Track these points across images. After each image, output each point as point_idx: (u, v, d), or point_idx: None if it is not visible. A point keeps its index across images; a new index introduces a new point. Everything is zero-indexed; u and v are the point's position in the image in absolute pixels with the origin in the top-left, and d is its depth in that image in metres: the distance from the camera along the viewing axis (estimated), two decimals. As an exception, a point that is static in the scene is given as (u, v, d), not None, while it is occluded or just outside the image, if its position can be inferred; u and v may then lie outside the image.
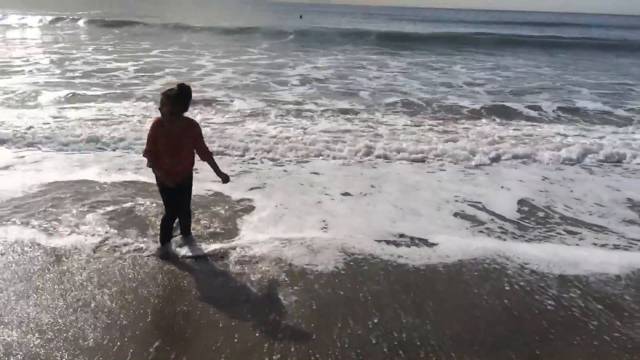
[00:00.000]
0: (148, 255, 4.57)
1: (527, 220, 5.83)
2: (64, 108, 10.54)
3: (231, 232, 5.13)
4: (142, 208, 5.59)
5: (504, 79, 18.08)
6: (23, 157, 7.38)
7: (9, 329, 3.49)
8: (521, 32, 45.30)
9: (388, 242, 5.06)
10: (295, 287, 4.19)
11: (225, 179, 4.53)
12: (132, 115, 10.09)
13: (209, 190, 6.18)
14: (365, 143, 8.46)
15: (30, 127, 8.72)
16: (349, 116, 10.87)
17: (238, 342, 3.47)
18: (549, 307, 4.03)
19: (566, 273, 4.59)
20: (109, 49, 22.37)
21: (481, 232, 5.45)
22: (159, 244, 4.66)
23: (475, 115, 11.63)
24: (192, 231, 4.95)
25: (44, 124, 9.06)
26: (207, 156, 4.49)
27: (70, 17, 39.72)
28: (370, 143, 8.50)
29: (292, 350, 3.41)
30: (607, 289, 4.37)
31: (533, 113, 12.05)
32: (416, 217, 5.77)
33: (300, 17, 69.25)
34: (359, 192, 6.51)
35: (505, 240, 5.28)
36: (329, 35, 34.25)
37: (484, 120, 11.02)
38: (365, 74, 17.98)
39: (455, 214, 5.91)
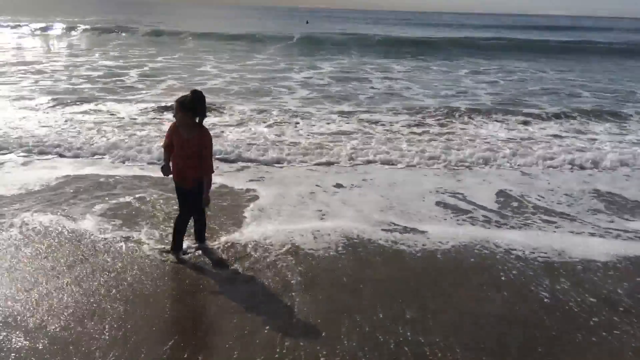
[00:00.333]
0: (161, 252, 4.73)
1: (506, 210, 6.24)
2: (75, 113, 10.85)
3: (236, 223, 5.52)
4: (158, 205, 5.90)
5: (506, 82, 18.28)
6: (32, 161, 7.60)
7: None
8: (523, 36, 45.14)
9: (386, 230, 5.48)
10: (300, 268, 4.54)
11: (206, 201, 4.52)
12: (145, 123, 10.34)
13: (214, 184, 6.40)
14: (354, 144, 8.85)
15: (45, 134, 8.73)
16: (347, 118, 11.15)
17: (249, 336, 3.56)
18: (545, 299, 4.25)
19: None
20: (115, 54, 22.76)
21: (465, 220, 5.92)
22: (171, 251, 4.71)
23: (474, 116, 11.81)
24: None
25: (56, 131, 9.08)
26: (206, 170, 4.41)
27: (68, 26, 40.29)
28: (364, 145, 8.82)
29: (301, 344, 3.50)
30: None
31: (531, 117, 12.06)
32: (403, 206, 6.26)
33: (307, 22, 69.75)
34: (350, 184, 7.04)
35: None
36: (335, 40, 34.50)
37: (483, 123, 11.24)
38: (368, 78, 18.26)
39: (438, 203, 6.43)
